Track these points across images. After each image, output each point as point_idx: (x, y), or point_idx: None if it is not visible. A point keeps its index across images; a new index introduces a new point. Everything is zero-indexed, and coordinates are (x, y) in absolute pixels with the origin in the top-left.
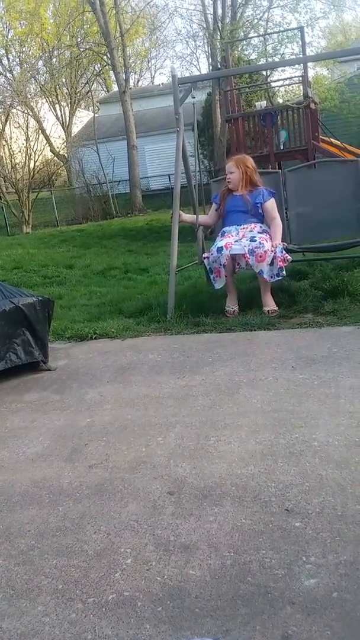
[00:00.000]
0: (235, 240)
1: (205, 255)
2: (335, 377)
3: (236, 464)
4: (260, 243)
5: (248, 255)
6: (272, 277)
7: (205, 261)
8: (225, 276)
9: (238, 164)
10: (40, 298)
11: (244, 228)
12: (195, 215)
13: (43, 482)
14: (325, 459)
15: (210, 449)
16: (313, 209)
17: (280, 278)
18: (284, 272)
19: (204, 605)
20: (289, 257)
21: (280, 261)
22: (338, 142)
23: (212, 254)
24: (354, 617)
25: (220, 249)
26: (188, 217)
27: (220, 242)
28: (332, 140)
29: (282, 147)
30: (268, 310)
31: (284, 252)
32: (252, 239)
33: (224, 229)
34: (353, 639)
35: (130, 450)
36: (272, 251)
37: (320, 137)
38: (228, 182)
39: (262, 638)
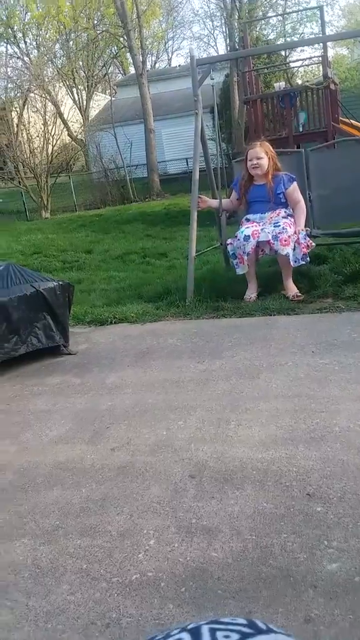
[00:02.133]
0: (262, 228)
1: (229, 241)
2: (356, 363)
3: (257, 448)
4: (283, 228)
5: (272, 241)
6: (295, 261)
7: (229, 247)
8: (248, 265)
9: (266, 150)
10: (60, 283)
11: (270, 217)
12: (218, 200)
13: (66, 463)
14: (347, 444)
15: (230, 433)
16: (336, 190)
17: (303, 263)
18: (308, 258)
19: (227, 587)
20: (312, 243)
21: (304, 247)
22: (358, 124)
23: (237, 240)
24: None
25: (247, 238)
26: (213, 202)
27: (246, 230)
28: (353, 121)
29: (301, 130)
30: (293, 296)
31: (307, 238)
32: (276, 224)
33: (248, 216)
34: None
35: (152, 433)
36: (294, 235)
37: (340, 118)
38: (255, 167)
39: (285, 620)
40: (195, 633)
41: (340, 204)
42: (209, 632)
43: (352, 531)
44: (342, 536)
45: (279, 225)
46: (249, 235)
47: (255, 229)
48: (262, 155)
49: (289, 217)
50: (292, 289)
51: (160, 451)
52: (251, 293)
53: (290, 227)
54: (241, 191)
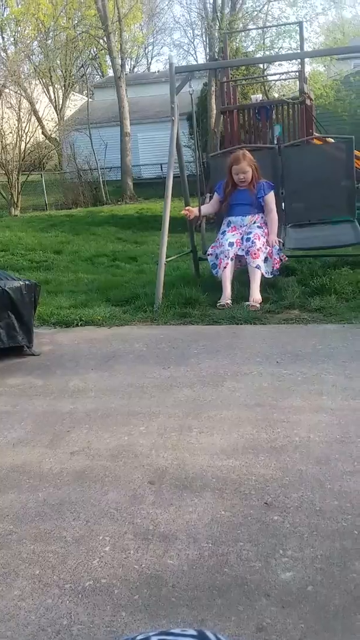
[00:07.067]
0: (242, 237)
1: (209, 252)
2: (319, 374)
3: (217, 456)
4: (252, 242)
5: (245, 255)
6: (267, 272)
7: (210, 258)
8: (225, 268)
9: (250, 163)
10: (26, 282)
11: (250, 220)
12: (199, 207)
13: (23, 467)
14: (306, 454)
15: (192, 441)
16: (308, 186)
17: (272, 276)
18: (278, 272)
19: (181, 595)
20: (285, 257)
21: (277, 263)
22: (331, 140)
23: (221, 246)
24: (328, 611)
25: (232, 244)
26: (197, 210)
27: (231, 237)
28: (327, 138)
29: (275, 142)
30: (250, 305)
31: (281, 252)
32: (247, 238)
33: (230, 218)
34: (326, 632)
35: (113, 438)
36: (265, 247)
37: (314, 134)
38: (242, 182)
39: (237, 629)
40: None
41: (310, 200)
42: None
43: (307, 540)
44: (297, 545)
45: (250, 239)
46: (233, 243)
47: (237, 238)
48: (247, 169)
49: (262, 227)
50: (254, 298)
51: (120, 456)
52: (227, 299)
53: (259, 240)
54: (225, 195)
